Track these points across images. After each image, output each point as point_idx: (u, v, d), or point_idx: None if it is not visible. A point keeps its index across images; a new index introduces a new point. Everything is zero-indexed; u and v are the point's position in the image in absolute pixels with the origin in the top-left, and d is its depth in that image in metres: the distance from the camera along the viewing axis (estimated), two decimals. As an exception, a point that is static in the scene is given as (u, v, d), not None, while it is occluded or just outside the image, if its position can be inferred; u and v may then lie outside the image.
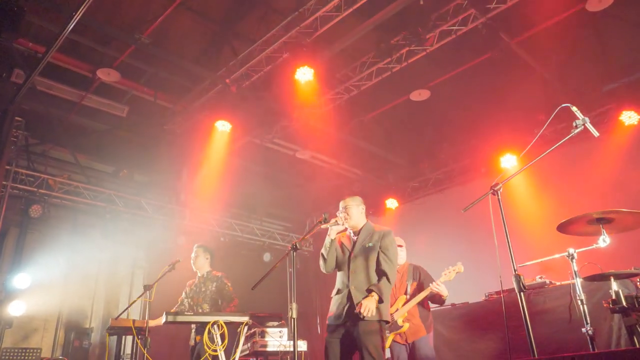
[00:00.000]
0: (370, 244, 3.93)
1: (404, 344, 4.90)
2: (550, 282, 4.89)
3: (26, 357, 7.07)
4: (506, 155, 8.15)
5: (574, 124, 2.80)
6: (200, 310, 5.17)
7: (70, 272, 8.77)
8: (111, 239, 8.94)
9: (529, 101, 7.83)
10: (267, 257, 10.58)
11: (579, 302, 2.98)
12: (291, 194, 10.68)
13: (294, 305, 3.23)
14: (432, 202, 9.66)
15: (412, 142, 9.40)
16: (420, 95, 7.77)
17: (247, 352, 5.23)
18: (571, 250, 3.07)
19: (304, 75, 6.49)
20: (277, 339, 5.15)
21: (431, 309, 5.15)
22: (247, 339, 5.37)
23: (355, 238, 4.06)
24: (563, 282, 4.79)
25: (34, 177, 7.84)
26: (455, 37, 6.46)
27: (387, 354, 5.02)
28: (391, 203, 9.84)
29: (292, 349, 5.21)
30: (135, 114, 8.29)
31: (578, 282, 3.03)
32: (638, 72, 7.20)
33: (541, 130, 3.06)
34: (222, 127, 7.63)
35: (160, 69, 7.65)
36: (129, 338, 5.57)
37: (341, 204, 4.14)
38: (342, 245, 4.08)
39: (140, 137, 8.74)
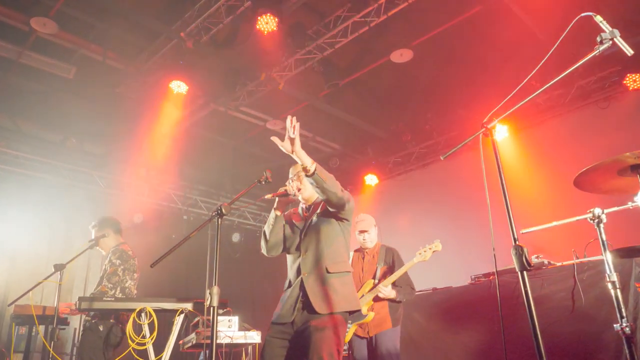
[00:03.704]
0: (319, 214, 3.14)
1: (364, 337, 4.16)
2: (550, 263, 4.13)
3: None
4: (496, 126, 7.40)
5: (598, 39, 2.01)
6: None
7: (16, 253, 7.94)
8: (62, 216, 8.11)
9: (522, 66, 7.04)
10: (236, 237, 9.77)
11: (610, 284, 2.14)
12: (263, 169, 9.79)
13: (215, 289, 2.41)
14: (415, 178, 8.90)
15: (394, 111, 8.56)
16: (402, 55, 6.91)
17: (191, 344, 4.44)
18: (597, 211, 2.21)
19: (267, 25, 5.62)
20: (224, 329, 4.35)
21: (403, 301, 4.39)
22: (193, 328, 4.58)
23: (308, 213, 3.25)
24: (565, 263, 4.02)
25: (-36, 144, 6.93)
26: (441, -17, 5.63)
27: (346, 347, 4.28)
28: (370, 179, 9.06)
29: (243, 341, 4.46)
30: (84, 75, 7.35)
31: (608, 257, 2.18)
32: (645, 31, 6.42)
33: (549, 52, 2.25)
34: (178, 88, 6.71)
35: (109, 24, 6.71)
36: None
37: (292, 171, 3.30)
38: (291, 223, 3.26)
39: (91, 102, 7.80)
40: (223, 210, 2.56)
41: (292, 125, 2.71)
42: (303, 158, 2.76)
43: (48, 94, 7.68)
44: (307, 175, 2.80)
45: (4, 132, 7.66)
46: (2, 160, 7.27)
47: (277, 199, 3.14)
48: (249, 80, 7.31)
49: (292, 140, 2.73)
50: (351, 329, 4.15)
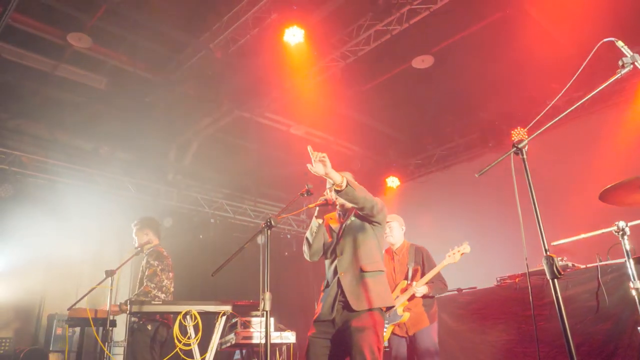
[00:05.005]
0: (353, 218, 3.35)
1: (403, 337, 4.34)
2: (574, 265, 4.29)
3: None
4: (517, 128, 7.52)
5: (620, 63, 2.18)
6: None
7: (51, 256, 8.26)
8: (95, 222, 8.42)
9: (542, 69, 7.16)
10: (261, 239, 10.00)
11: (634, 291, 2.33)
12: (286, 173, 10.04)
13: (267, 295, 2.64)
14: (436, 180, 9.04)
15: (415, 115, 8.71)
16: (423, 61, 7.08)
17: (230, 344, 4.68)
18: (621, 224, 2.40)
19: (294, 36, 5.84)
20: (261, 329, 4.58)
21: (435, 296, 4.58)
22: (230, 329, 4.82)
23: (344, 218, 3.47)
24: (589, 265, 4.18)
25: (5, 153, 7.26)
26: (462, -8, 5.79)
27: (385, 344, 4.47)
28: (392, 182, 9.23)
29: (279, 341, 4.69)
30: (115, 86, 7.66)
31: (631, 264, 2.37)
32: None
33: (574, 77, 2.43)
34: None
35: (139, 36, 6.99)
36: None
37: (330, 181, 3.53)
38: (329, 228, 3.48)
39: (122, 111, 8.11)
40: (272, 222, 2.78)
41: (321, 157, 2.92)
42: (335, 177, 2.96)
43: (82, 105, 8.00)
44: (338, 192, 2.97)
45: (42, 142, 8.00)
46: (41, 169, 7.60)
47: (317, 208, 3.34)
48: (274, 87, 7.53)
49: (323, 163, 2.93)
50: (389, 329, 4.33)
